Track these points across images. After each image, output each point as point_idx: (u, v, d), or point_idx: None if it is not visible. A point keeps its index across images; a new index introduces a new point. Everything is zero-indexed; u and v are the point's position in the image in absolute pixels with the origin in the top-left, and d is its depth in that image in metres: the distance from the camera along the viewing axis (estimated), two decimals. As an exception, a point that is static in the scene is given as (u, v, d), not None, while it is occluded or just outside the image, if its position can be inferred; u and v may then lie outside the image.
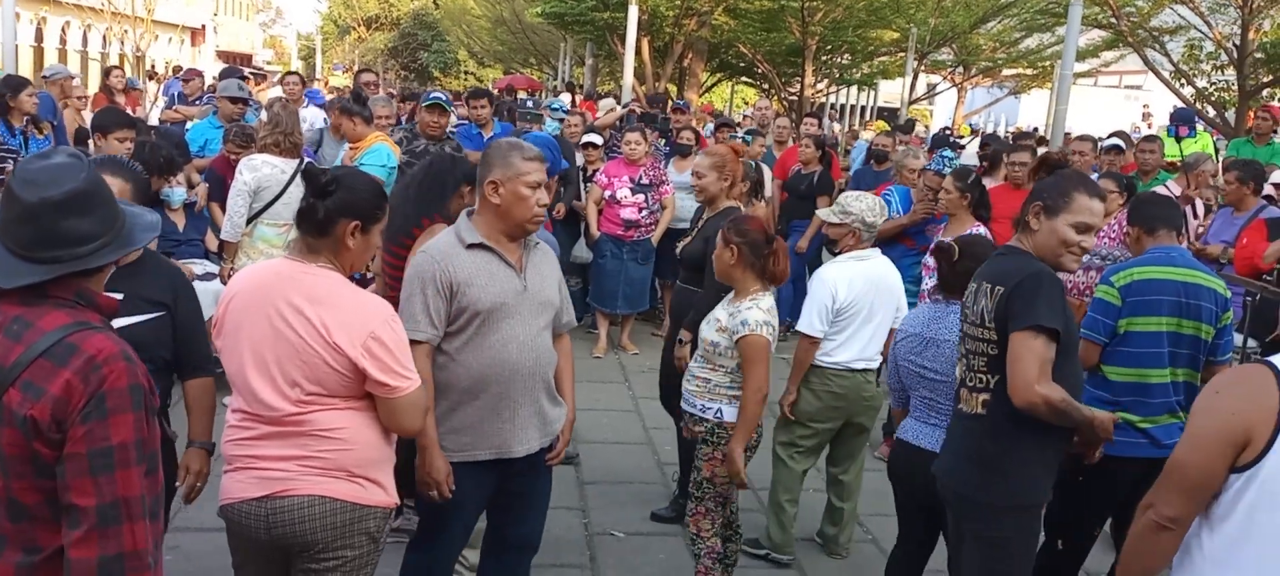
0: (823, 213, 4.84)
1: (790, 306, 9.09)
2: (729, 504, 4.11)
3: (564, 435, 3.51)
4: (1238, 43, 15.53)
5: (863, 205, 4.63)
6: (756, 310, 3.87)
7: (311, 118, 9.50)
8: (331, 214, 2.68)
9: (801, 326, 4.55)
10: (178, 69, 20.01)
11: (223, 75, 9.51)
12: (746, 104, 35.91)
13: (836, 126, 25.14)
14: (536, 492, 3.53)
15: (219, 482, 2.78)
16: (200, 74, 12.11)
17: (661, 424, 4.59)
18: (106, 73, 8.86)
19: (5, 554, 1.99)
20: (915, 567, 4.02)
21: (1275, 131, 10.01)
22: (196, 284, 6.35)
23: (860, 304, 4.53)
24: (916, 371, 3.91)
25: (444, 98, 7.57)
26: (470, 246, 3.22)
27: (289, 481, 2.65)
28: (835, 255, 4.72)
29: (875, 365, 4.66)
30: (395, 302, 3.17)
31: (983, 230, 5.44)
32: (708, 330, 3.98)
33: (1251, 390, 2.13)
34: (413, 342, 2.97)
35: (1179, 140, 9.91)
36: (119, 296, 2.27)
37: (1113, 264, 4.95)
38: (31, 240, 1.96)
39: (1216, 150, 10.46)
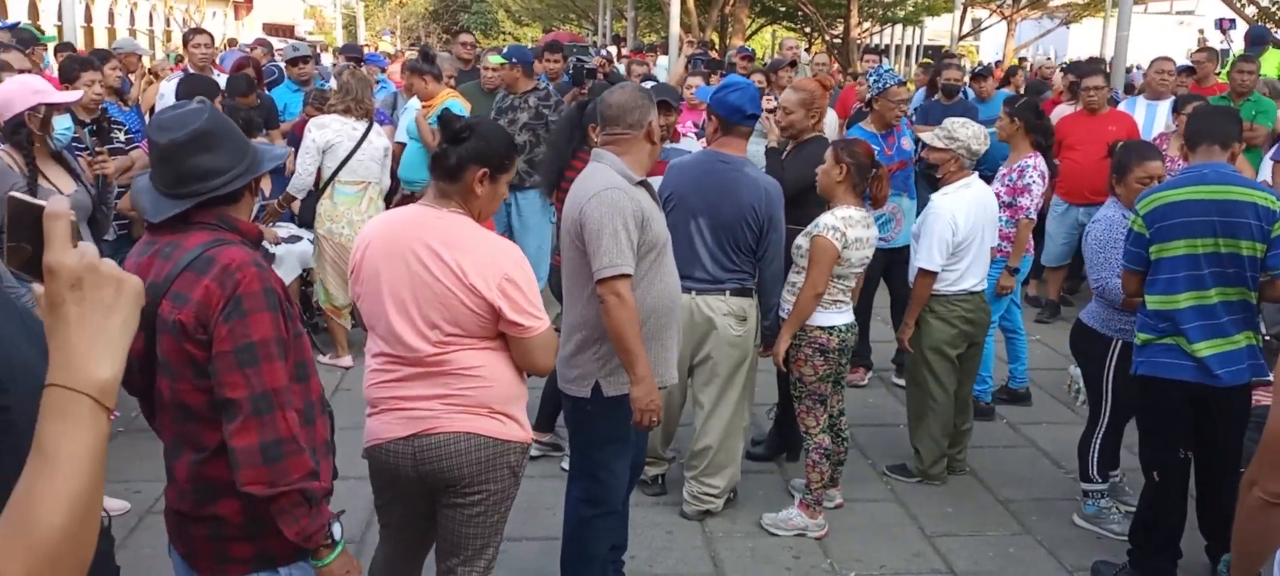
0: (926, 135, 4.88)
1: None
2: (829, 403, 4.39)
3: None
4: (1303, -44, 15.06)
5: (969, 132, 4.71)
6: (832, 216, 4.13)
7: None
8: (463, 160, 2.75)
9: (922, 262, 4.65)
10: (233, 42, 20.15)
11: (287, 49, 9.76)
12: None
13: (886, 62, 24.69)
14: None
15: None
16: (267, 43, 12.34)
17: (759, 365, 4.65)
18: (186, 40, 8.92)
19: (182, 454, 2.23)
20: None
21: None
22: (281, 248, 6.51)
23: (975, 231, 4.68)
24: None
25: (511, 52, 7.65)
26: (638, 184, 3.35)
27: (434, 419, 2.76)
28: (938, 184, 4.80)
29: (985, 286, 4.82)
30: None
31: (1039, 159, 5.45)
32: (801, 238, 4.23)
33: None
34: (621, 276, 3.18)
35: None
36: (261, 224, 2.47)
37: None
38: (171, 179, 2.21)
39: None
